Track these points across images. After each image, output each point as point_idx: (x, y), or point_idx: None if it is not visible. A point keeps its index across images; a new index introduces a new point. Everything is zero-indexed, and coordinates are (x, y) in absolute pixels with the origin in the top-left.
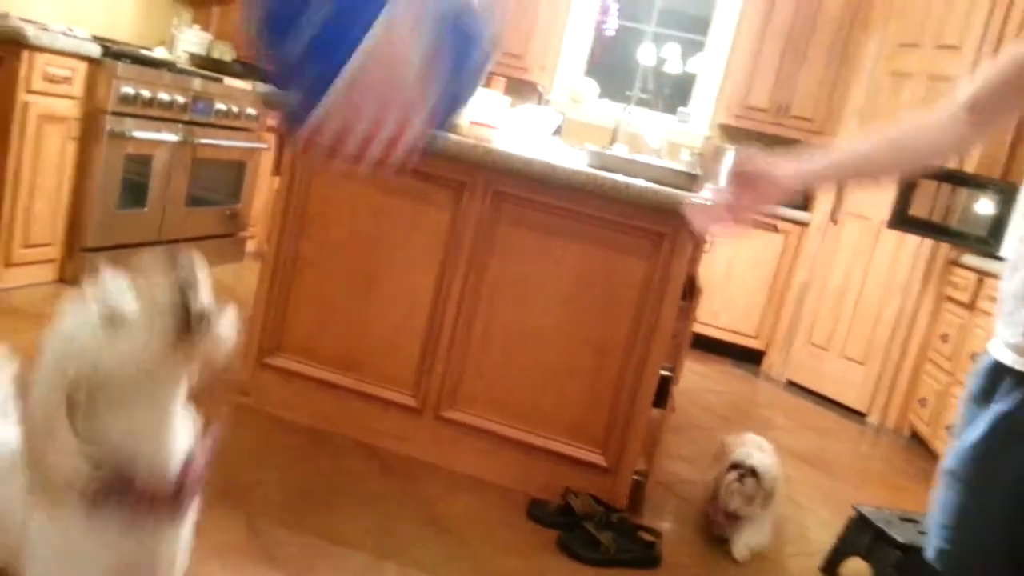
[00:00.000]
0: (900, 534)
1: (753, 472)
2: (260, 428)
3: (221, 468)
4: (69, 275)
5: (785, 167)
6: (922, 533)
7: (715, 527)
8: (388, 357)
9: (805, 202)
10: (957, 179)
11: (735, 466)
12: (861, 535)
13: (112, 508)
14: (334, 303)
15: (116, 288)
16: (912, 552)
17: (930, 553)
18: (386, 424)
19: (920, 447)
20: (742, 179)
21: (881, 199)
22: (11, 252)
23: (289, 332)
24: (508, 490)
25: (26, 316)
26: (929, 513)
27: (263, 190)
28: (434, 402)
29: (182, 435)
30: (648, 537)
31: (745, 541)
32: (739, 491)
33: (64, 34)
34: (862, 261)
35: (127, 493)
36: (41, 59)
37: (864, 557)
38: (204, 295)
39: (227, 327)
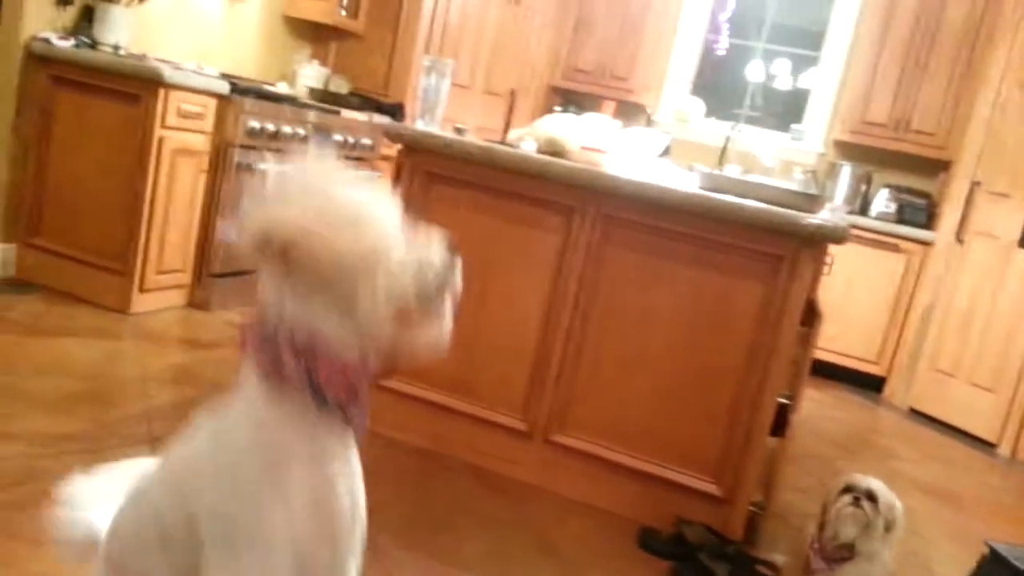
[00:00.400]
0: None
1: (870, 496)
2: (375, 449)
3: None
4: (198, 300)
5: None
6: None
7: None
8: (498, 380)
9: (928, 221)
10: None
11: (848, 489)
12: (995, 573)
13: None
14: None
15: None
16: None
17: None
18: (496, 447)
19: None
20: None
21: (1013, 217)
22: (145, 278)
23: None
24: (618, 517)
25: (160, 339)
26: None
27: None
28: (543, 426)
29: None
30: (766, 571)
31: None
32: (854, 516)
33: (195, 72)
34: (991, 282)
35: (318, 364)
36: (176, 96)
37: None
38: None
39: (447, 325)
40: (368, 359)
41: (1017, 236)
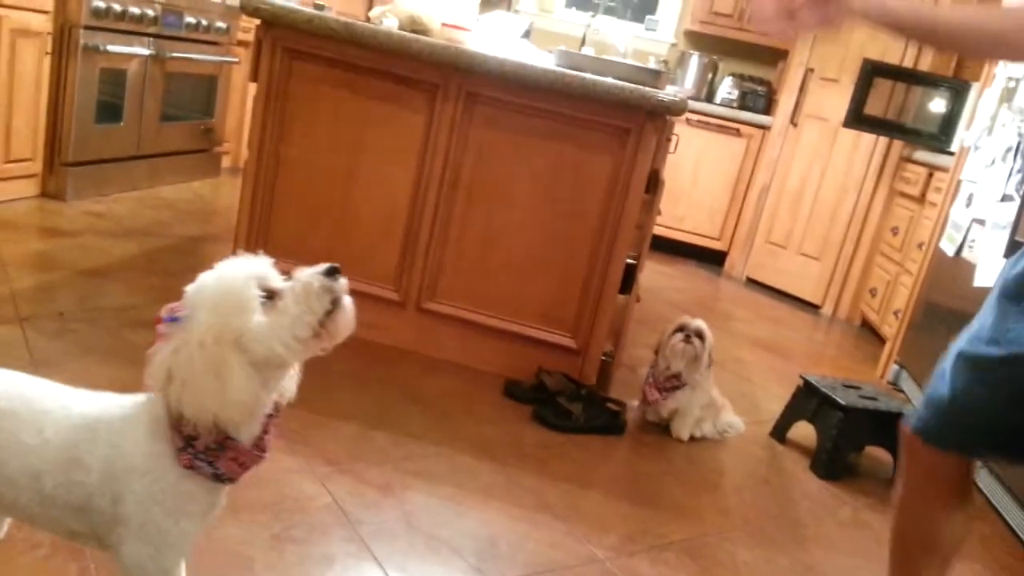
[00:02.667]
0: (843, 398)
1: (699, 334)
2: None
3: None
4: (51, 189)
5: None
6: (864, 398)
7: (649, 410)
8: (371, 255)
9: (767, 106)
10: (911, 77)
11: (680, 328)
12: (807, 401)
13: (206, 465)
14: (317, 205)
15: (269, 268)
16: (852, 413)
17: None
18: (371, 317)
19: (869, 334)
20: None
21: (840, 101)
22: None
23: (274, 234)
24: (486, 373)
25: (14, 228)
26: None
27: (236, 105)
28: (415, 295)
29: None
30: (614, 407)
31: (682, 418)
32: (684, 352)
33: None
34: (820, 161)
35: (224, 451)
36: None
37: (810, 420)
38: (342, 284)
39: (351, 316)
40: (260, 440)
41: (842, 117)
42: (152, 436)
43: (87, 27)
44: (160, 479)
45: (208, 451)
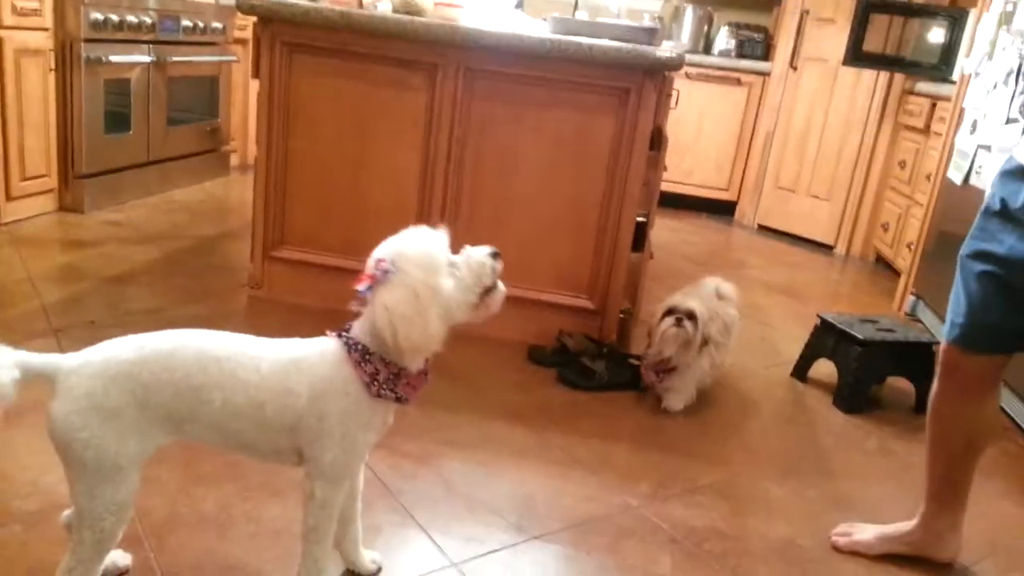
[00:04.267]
0: (860, 332)
1: (691, 315)
2: (276, 315)
3: None
4: (68, 203)
5: None
6: (882, 330)
7: (648, 387)
8: (385, 235)
9: (766, 52)
10: (907, 10)
11: (670, 311)
12: (826, 339)
13: (389, 392)
14: (329, 193)
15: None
16: (871, 346)
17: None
18: None
19: (884, 268)
20: None
21: (837, 41)
22: (10, 186)
23: (290, 225)
24: (509, 342)
25: (37, 244)
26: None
27: (238, 103)
28: None
29: None
30: (636, 363)
31: (676, 393)
32: (675, 336)
33: None
34: (823, 102)
35: (400, 379)
36: None
37: (830, 357)
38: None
39: (503, 295)
40: (423, 369)
41: (841, 56)
42: (344, 366)
43: (87, 40)
44: (357, 399)
45: (388, 381)
